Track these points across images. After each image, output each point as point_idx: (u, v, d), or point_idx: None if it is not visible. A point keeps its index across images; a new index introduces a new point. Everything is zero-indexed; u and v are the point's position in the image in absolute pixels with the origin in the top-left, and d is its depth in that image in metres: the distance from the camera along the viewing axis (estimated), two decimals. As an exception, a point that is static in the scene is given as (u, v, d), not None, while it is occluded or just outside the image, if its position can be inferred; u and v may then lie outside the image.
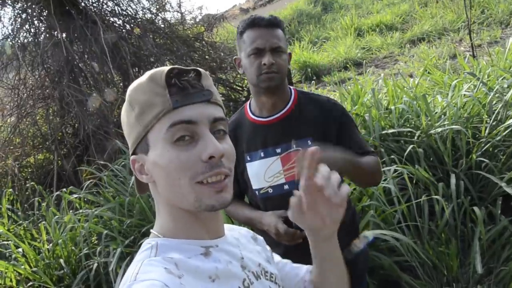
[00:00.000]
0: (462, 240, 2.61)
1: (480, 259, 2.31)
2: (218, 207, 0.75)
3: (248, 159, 1.56)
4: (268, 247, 1.01)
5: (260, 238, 1.02)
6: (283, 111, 1.55)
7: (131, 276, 0.70)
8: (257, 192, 1.57)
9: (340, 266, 0.96)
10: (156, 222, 0.82)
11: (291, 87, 1.63)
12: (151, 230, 0.81)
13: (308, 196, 0.83)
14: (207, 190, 0.74)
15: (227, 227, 0.91)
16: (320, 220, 0.85)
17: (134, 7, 5.69)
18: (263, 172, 1.54)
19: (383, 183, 2.61)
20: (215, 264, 0.77)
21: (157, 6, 5.92)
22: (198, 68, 0.78)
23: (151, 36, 5.31)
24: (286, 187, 1.53)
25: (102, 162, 3.76)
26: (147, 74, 0.78)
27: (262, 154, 1.54)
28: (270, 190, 1.55)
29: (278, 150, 1.52)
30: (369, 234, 1.69)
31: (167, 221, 0.80)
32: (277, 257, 1.03)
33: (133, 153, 0.80)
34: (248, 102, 1.65)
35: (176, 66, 0.77)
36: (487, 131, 2.91)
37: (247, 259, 0.86)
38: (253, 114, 1.60)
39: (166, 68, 0.75)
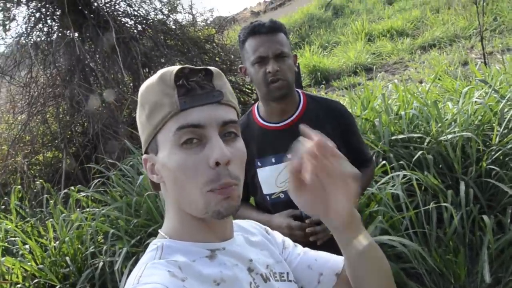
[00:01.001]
0: (470, 248, 2.58)
1: (489, 268, 2.28)
2: (225, 214, 0.73)
3: (259, 164, 1.56)
4: (281, 238, 0.98)
5: (274, 232, 0.99)
6: (294, 116, 1.55)
7: (134, 279, 0.70)
8: (267, 197, 1.58)
9: (376, 261, 0.82)
10: (164, 222, 0.82)
11: (299, 90, 1.63)
12: (159, 231, 0.81)
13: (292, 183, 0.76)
14: (216, 197, 0.72)
15: (238, 223, 0.90)
16: (322, 206, 0.75)
17: (146, 8, 5.74)
18: (274, 178, 1.54)
19: (391, 189, 2.60)
20: (220, 268, 0.76)
21: (169, 8, 5.95)
22: (210, 68, 0.76)
23: (162, 37, 5.34)
24: None
25: (110, 161, 3.78)
26: (158, 73, 0.76)
27: (273, 160, 1.54)
28: (282, 195, 1.55)
29: (290, 156, 1.52)
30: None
31: (175, 222, 0.79)
32: (290, 245, 0.97)
33: (145, 152, 0.80)
34: (255, 106, 1.64)
35: (187, 65, 0.75)
36: (497, 139, 2.88)
37: (256, 261, 0.83)
38: (262, 119, 1.59)
39: (175, 68, 0.74)
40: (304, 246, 1.48)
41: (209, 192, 0.71)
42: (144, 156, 0.79)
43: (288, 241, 0.98)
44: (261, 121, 1.59)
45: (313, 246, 1.50)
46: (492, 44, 7.53)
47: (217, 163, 0.71)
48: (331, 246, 1.53)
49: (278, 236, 0.98)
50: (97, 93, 4.51)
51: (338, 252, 0.85)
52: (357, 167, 1.62)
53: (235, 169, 0.74)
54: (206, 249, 0.77)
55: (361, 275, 0.83)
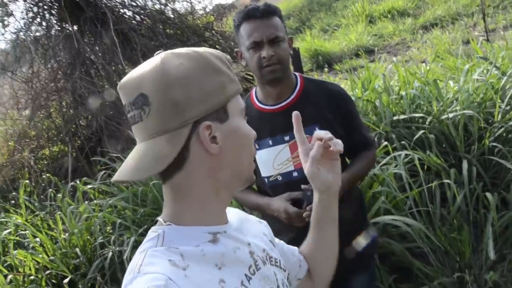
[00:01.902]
0: (474, 226, 2.59)
1: (493, 245, 2.29)
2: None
3: (257, 147, 1.57)
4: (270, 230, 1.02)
5: (264, 221, 1.02)
6: (290, 99, 1.56)
7: (135, 268, 0.70)
8: (266, 179, 1.59)
9: (336, 230, 1.04)
10: (165, 209, 0.80)
11: (297, 73, 1.63)
12: (158, 218, 0.80)
13: (319, 153, 0.94)
14: (252, 166, 0.85)
15: (231, 211, 0.91)
16: (332, 174, 0.96)
17: (143, -2, 5.71)
18: (272, 160, 1.55)
19: (394, 169, 2.60)
20: (222, 251, 0.77)
21: (167, -3, 5.93)
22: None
23: (161, 26, 5.33)
24: (295, 174, 1.55)
25: (115, 154, 3.81)
26: (208, 50, 0.79)
27: (270, 142, 1.55)
28: (279, 178, 1.57)
29: (287, 138, 1.54)
30: (370, 233, 1.69)
31: (184, 206, 0.77)
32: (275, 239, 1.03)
33: (199, 121, 0.73)
34: (253, 90, 1.65)
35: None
36: (499, 116, 2.87)
37: (253, 245, 0.85)
38: (259, 102, 1.60)
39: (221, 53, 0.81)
40: (299, 231, 1.52)
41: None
42: (208, 122, 0.73)
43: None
44: (258, 104, 1.60)
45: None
46: (495, 21, 7.44)
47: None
48: None
49: (266, 224, 1.03)
50: (99, 85, 4.53)
51: None
52: (358, 150, 1.66)
53: None
54: (208, 232, 0.78)
55: (325, 241, 1.05)
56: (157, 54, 0.78)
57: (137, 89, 0.73)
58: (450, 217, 2.53)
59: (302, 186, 1.46)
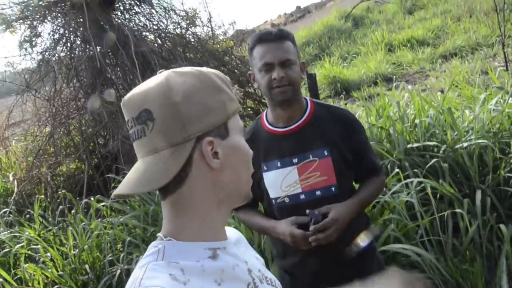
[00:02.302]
0: (488, 258, 2.52)
1: (507, 279, 2.23)
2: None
3: (265, 168, 1.58)
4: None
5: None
6: (300, 122, 1.58)
7: (135, 281, 0.70)
8: (274, 201, 1.59)
9: None
10: (164, 225, 0.80)
11: (307, 98, 1.65)
12: (158, 234, 0.80)
13: None
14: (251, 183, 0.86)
15: (228, 229, 0.91)
16: None
17: (165, 22, 5.86)
18: (280, 182, 1.56)
19: (405, 197, 2.57)
20: (222, 267, 0.77)
21: (187, 21, 6.07)
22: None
23: (180, 49, 5.44)
24: (302, 196, 1.55)
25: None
26: (215, 72, 0.82)
27: (278, 164, 1.56)
28: (287, 200, 1.57)
29: (295, 160, 1.55)
30: (370, 232, 1.66)
31: (184, 221, 0.78)
32: None
33: (202, 136, 0.75)
34: (264, 112, 1.67)
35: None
36: (516, 146, 2.83)
37: (250, 264, 0.86)
38: (269, 124, 1.62)
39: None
40: (304, 255, 1.50)
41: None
42: (210, 138, 0.75)
43: None
44: (268, 126, 1.62)
45: (314, 255, 1.52)
46: (516, 52, 7.38)
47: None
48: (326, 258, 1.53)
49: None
50: (117, 105, 4.62)
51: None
52: (367, 175, 1.66)
53: None
54: (208, 248, 0.78)
55: None
56: (159, 72, 0.80)
57: (141, 105, 0.74)
58: (463, 248, 2.48)
59: (308, 211, 1.47)
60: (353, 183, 1.71)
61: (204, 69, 0.81)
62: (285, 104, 1.54)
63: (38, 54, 5.41)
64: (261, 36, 1.53)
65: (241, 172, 0.82)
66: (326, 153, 1.53)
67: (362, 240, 1.59)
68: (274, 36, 1.51)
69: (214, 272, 0.76)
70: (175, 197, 0.77)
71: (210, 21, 6.41)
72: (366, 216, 1.74)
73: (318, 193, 1.53)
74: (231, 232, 0.92)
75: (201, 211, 0.78)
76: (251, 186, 0.87)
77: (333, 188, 1.54)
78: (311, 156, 1.54)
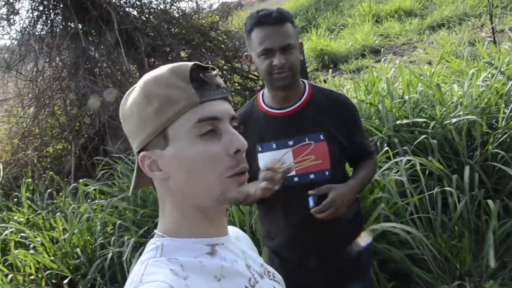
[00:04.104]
0: (476, 233, 2.57)
1: (494, 253, 2.27)
2: (241, 200, 0.78)
3: (260, 149, 1.58)
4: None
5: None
6: (297, 105, 1.56)
7: (136, 277, 0.71)
8: None
9: None
10: (160, 222, 0.82)
11: (305, 80, 1.64)
12: (155, 231, 0.82)
13: None
14: (233, 183, 0.76)
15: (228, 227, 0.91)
16: None
17: (148, -3, 5.70)
18: None
19: (395, 175, 2.58)
20: (221, 263, 0.77)
21: (172, -4, 5.91)
22: (213, 66, 0.81)
23: (165, 26, 5.31)
24: (296, 179, 1.55)
25: (116, 155, 3.81)
26: (167, 67, 0.78)
27: (274, 146, 1.56)
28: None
29: (291, 143, 1.54)
30: (371, 232, 1.70)
31: (173, 220, 0.80)
32: None
33: (142, 150, 0.78)
34: (260, 93, 1.65)
35: (196, 62, 0.79)
36: (504, 122, 2.84)
37: (250, 259, 0.86)
38: (266, 105, 1.61)
39: (189, 63, 0.77)
40: (293, 235, 1.55)
41: (228, 178, 0.75)
42: (144, 153, 0.77)
43: None
44: (265, 107, 1.60)
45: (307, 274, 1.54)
46: (503, 22, 7.36)
47: (237, 151, 0.76)
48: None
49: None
50: (102, 84, 4.53)
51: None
52: (361, 158, 1.67)
53: (244, 156, 0.79)
54: (207, 244, 0.79)
55: None
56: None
57: None
58: (451, 224, 2.51)
59: (309, 192, 1.46)
60: (346, 169, 1.72)
61: (151, 74, 0.79)
62: (284, 89, 1.52)
63: (17, 33, 5.25)
64: (260, 18, 1.47)
65: (193, 179, 0.76)
66: (322, 137, 1.53)
67: (363, 240, 1.62)
68: (274, 19, 1.46)
69: (213, 268, 0.76)
70: (158, 197, 0.82)
71: (194, -5, 6.26)
72: (357, 200, 1.74)
73: (311, 176, 1.54)
74: (233, 230, 0.93)
75: (175, 212, 0.79)
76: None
77: (326, 172, 1.54)
78: (307, 139, 1.54)
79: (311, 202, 1.45)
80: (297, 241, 1.59)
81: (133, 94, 0.79)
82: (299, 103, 1.56)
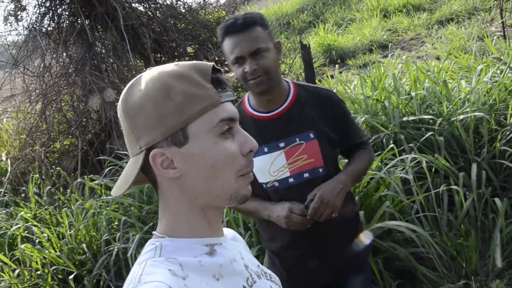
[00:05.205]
0: (482, 231, 2.54)
1: (501, 252, 2.25)
2: (248, 197, 0.81)
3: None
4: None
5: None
6: (284, 106, 1.56)
7: (135, 277, 0.71)
8: (264, 185, 1.60)
9: None
10: (159, 222, 0.82)
11: (289, 80, 1.63)
12: (154, 232, 0.81)
13: None
14: (245, 182, 0.79)
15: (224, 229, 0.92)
16: None
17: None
18: (268, 167, 1.56)
19: (400, 173, 2.56)
20: (220, 263, 0.78)
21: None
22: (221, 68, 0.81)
23: (171, 21, 5.31)
24: (291, 180, 1.56)
25: (122, 152, 3.82)
26: (186, 64, 0.77)
27: (266, 149, 1.56)
28: (276, 184, 1.57)
29: (282, 144, 1.55)
30: (371, 233, 1.70)
31: (173, 220, 0.80)
32: None
33: (152, 147, 0.75)
34: (246, 97, 1.65)
35: (211, 63, 0.80)
36: (512, 118, 2.80)
37: (247, 259, 0.87)
38: (252, 109, 1.60)
39: (208, 63, 0.78)
40: (292, 238, 1.55)
41: (240, 177, 0.78)
42: (157, 150, 0.74)
43: None
44: (251, 110, 1.60)
45: (302, 236, 1.53)
46: (513, 16, 7.25)
47: (250, 151, 0.79)
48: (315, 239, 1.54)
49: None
50: (109, 80, 4.54)
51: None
52: (355, 150, 1.68)
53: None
54: (206, 244, 0.79)
55: None
56: (145, 71, 0.81)
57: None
58: (457, 223, 2.48)
59: (307, 200, 1.48)
60: (339, 164, 1.74)
61: (168, 69, 0.77)
62: (265, 93, 1.52)
63: (25, 29, 5.27)
64: (227, 27, 1.47)
65: (211, 177, 0.76)
66: (312, 135, 1.54)
67: (363, 239, 1.62)
68: (239, 26, 1.44)
69: (212, 267, 0.76)
70: (159, 197, 0.81)
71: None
72: (351, 196, 1.73)
73: (306, 175, 1.55)
74: (229, 231, 0.94)
75: (178, 212, 0.79)
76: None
77: (320, 170, 1.55)
78: (297, 139, 1.54)
79: (310, 209, 1.47)
80: (297, 242, 1.59)
81: (146, 87, 0.75)
82: (286, 104, 1.56)
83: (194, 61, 0.78)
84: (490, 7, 8.11)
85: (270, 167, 1.55)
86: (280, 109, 1.56)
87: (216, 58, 5.25)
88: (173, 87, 0.74)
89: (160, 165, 0.75)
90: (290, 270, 1.62)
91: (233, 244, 0.88)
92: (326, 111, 1.57)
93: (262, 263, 1.03)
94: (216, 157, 0.76)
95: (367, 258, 1.78)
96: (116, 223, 3.32)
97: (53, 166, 4.81)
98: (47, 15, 5.18)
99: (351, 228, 1.67)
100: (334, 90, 4.06)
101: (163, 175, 0.76)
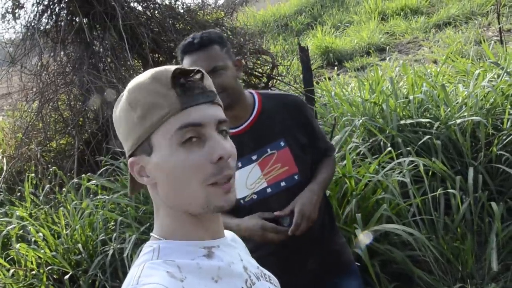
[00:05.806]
0: (478, 235, 2.55)
1: (496, 255, 2.26)
2: (226, 208, 0.76)
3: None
4: None
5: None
6: (250, 119, 1.57)
7: (133, 279, 0.71)
8: (242, 201, 1.59)
9: None
10: (155, 224, 0.82)
11: (253, 91, 1.64)
12: (151, 234, 0.82)
13: None
14: (217, 191, 0.75)
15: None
16: None
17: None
18: (244, 181, 1.56)
19: (397, 176, 2.57)
20: (218, 265, 0.78)
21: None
22: (200, 69, 0.78)
23: (170, 22, 5.30)
24: (269, 190, 1.56)
25: (119, 150, 3.81)
26: (149, 73, 0.77)
27: (239, 164, 1.56)
28: (255, 196, 1.57)
29: (254, 157, 1.56)
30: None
31: (167, 223, 0.80)
32: None
33: (132, 155, 0.79)
34: None
35: (179, 66, 0.77)
36: (509, 123, 2.82)
37: (246, 261, 0.87)
38: None
39: (170, 68, 0.75)
40: (274, 249, 1.53)
41: (210, 186, 0.74)
42: (132, 159, 0.79)
43: None
44: None
45: (282, 248, 1.52)
46: (510, 21, 7.30)
47: (220, 158, 0.74)
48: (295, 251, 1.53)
49: None
50: (107, 80, 4.52)
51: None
52: (321, 156, 1.68)
53: (232, 162, 0.77)
54: (203, 247, 0.79)
55: None
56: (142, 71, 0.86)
57: None
58: (454, 226, 2.49)
59: (276, 213, 1.47)
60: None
61: (135, 80, 0.79)
62: (227, 109, 1.52)
63: (22, 27, 5.25)
64: (185, 47, 1.49)
65: (177, 187, 0.75)
66: (282, 143, 1.55)
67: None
68: (196, 45, 1.46)
69: (211, 269, 0.76)
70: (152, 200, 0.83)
71: (200, -9, 6.23)
72: (328, 201, 1.75)
73: (283, 184, 1.56)
74: (229, 233, 0.94)
75: (170, 215, 0.79)
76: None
77: (296, 176, 1.56)
78: (268, 149, 1.55)
79: (285, 223, 1.46)
80: (278, 251, 1.57)
81: (122, 99, 0.80)
82: (252, 117, 1.57)
83: (156, 69, 0.77)
84: (488, 11, 8.15)
85: (246, 180, 1.56)
86: (247, 123, 1.57)
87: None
88: (133, 98, 0.76)
89: (136, 173, 0.79)
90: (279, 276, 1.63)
91: (232, 245, 0.87)
92: (294, 117, 1.59)
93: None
94: (173, 168, 0.74)
95: (351, 261, 1.75)
96: (112, 223, 3.31)
97: (49, 165, 4.79)
98: (45, 13, 5.16)
99: (326, 228, 1.67)
100: (332, 93, 4.09)
101: (141, 182, 0.80)
